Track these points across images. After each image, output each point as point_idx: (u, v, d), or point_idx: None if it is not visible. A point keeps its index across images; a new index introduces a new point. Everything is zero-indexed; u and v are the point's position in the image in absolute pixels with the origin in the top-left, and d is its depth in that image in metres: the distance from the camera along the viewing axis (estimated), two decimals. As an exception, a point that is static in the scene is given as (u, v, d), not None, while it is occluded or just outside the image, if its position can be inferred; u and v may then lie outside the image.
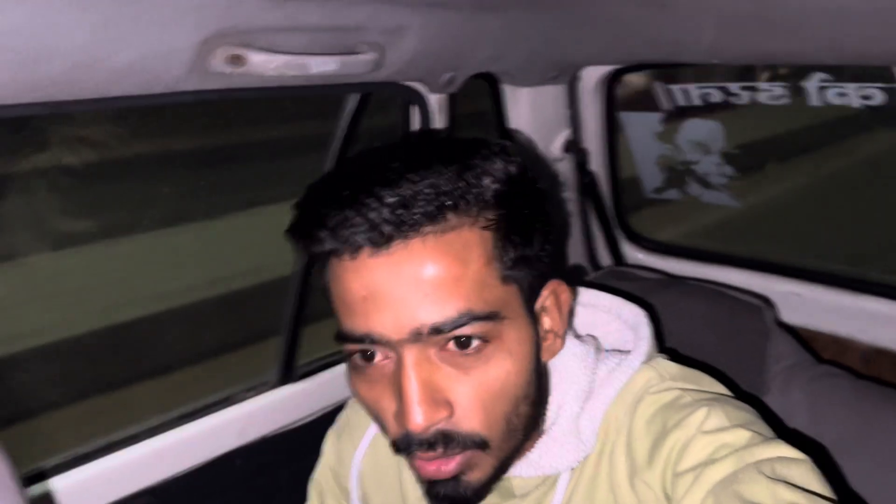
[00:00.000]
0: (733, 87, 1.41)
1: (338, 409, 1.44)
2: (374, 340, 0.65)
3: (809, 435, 1.05)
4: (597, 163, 1.67)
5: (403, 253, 0.63)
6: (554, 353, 0.75)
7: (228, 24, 0.83)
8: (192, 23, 0.80)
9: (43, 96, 0.78)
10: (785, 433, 0.69)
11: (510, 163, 0.69)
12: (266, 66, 0.90)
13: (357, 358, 0.69)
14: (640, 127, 1.67)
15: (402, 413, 0.65)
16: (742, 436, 0.65)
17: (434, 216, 0.63)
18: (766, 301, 1.30)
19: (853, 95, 1.27)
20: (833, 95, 1.29)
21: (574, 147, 1.61)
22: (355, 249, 0.64)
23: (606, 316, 0.86)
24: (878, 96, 1.25)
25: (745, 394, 0.75)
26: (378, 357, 0.68)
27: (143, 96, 0.87)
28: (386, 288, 0.64)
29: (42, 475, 1.08)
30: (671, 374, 0.76)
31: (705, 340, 1.17)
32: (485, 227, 0.66)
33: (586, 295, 0.88)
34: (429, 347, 0.65)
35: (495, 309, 0.66)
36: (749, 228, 1.78)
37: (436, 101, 1.33)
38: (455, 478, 0.68)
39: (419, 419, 0.64)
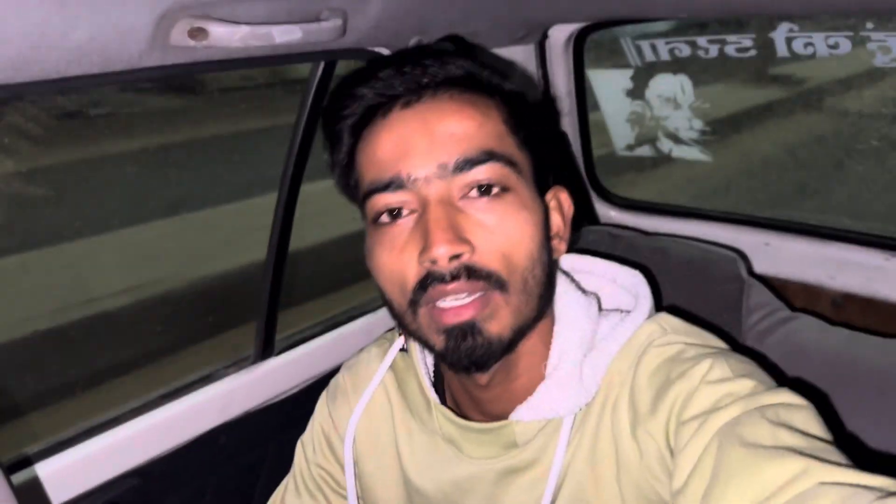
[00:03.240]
0: (701, 40, 1.41)
1: (319, 382, 1.45)
2: (401, 183, 0.71)
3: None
4: (567, 122, 1.67)
5: (432, 104, 0.73)
6: (560, 254, 0.81)
7: (188, -4, 0.80)
8: (150, -4, 0.77)
9: (1, 79, 0.75)
10: (786, 382, 0.70)
11: (528, 87, 0.79)
12: (229, 37, 0.88)
13: (382, 219, 0.73)
14: (610, 84, 1.66)
15: (426, 246, 0.68)
16: (746, 385, 0.66)
17: (463, 80, 0.74)
18: (739, 253, 1.32)
19: (820, 45, 1.27)
20: (800, 46, 1.30)
21: (544, 107, 1.60)
22: (391, 101, 0.73)
23: (599, 280, 0.88)
24: (844, 44, 1.26)
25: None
26: (402, 204, 0.71)
27: (105, 75, 0.84)
28: (415, 135, 0.71)
29: (26, 461, 1.07)
30: (673, 327, 0.78)
31: (681, 295, 1.18)
32: (503, 102, 0.76)
33: (581, 262, 0.90)
34: (452, 189, 0.71)
35: (512, 156, 0.73)
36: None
37: (403, 66, 1.30)
38: (473, 327, 0.70)
39: (443, 249, 0.67)
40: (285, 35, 0.93)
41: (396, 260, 0.72)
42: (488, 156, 0.71)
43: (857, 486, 0.52)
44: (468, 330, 0.70)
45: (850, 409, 1.03)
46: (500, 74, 0.78)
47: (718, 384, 0.67)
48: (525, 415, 0.78)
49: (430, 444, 0.87)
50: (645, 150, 1.73)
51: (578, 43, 1.57)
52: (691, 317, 0.83)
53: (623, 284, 0.86)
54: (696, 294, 1.18)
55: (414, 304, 0.72)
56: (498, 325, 0.71)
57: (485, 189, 0.71)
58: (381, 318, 1.55)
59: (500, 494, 0.81)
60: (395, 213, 0.72)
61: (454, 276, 0.69)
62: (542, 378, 0.79)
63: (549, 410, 0.77)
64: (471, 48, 0.77)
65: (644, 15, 1.32)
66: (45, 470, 1.07)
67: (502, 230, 0.71)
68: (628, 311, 0.81)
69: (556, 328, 0.80)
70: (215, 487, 1.32)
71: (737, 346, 1.13)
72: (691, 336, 0.77)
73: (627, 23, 1.49)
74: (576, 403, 0.76)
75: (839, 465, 0.56)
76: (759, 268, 1.51)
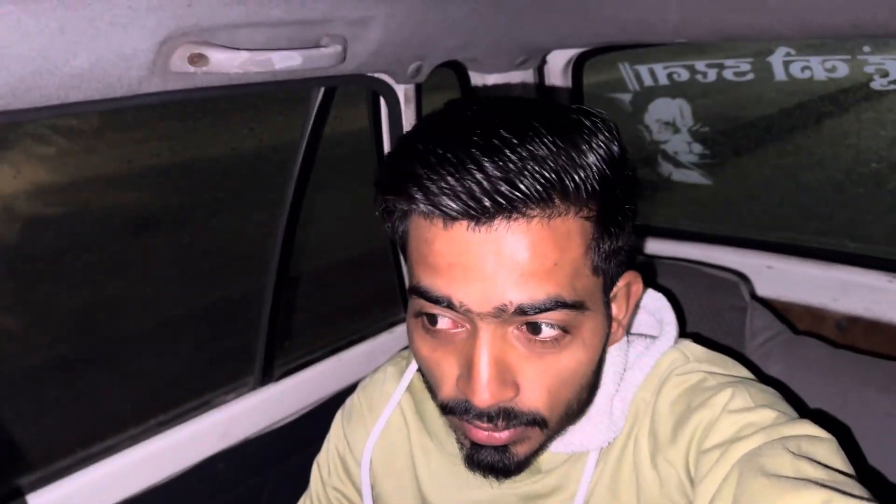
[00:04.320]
0: (699, 64, 1.42)
1: (319, 408, 1.44)
2: (452, 306, 0.63)
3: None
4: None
5: (505, 232, 0.60)
6: (615, 342, 0.75)
7: (188, 23, 0.81)
8: (151, 23, 0.78)
9: (2, 105, 0.76)
10: (807, 413, 0.69)
11: (612, 140, 0.65)
12: (229, 63, 0.88)
13: (425, 320, 0.67)
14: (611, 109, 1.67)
15: (468, 386, 0.63)
16: (768, 415, 0.65)
17: (541, 198, 0.60)
18: (742, 276, 1.32)
19: (817, 68, 1.28)
20: (797, 69, 1.30)
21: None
22: (451, 219, 0.61)
23: None
24: (841, 68, 1.26)
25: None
26: (448, 324, 0.65)
27: (105, 100, 0.85)
28: (479, 261, 0.61)
29: (18, 492, 1.06)
30: (696, 355, 0.77)
31: (684, 319, 1.18)
32: (587, 218, 0.64)
33: None
34: (507, 326, 0.63)
35: (582, 299, 0.64)
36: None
37: (403, 91, 1.31)
38: (504, 447, 0.68)
39: (486, 397, 0.62)
40: (285, 61, 0.94)
41: (435, 364, 0.68)
42: (556, 304, 0.62)
43: None
44: (497, 449, 0.68)
45: (855, 432, 1.02)
46: (591, 151, 0.62)
47: (740, 413, 0.66)
48: (554, 447, 0.76)
49: (448, 465, 0.85)
50: (644, 174, 1.73)
51: (577, 67, 1.58)
52: (710, 343, 0.82)
53: (646, 307, 0.85)
54: (699, 317, 1.17)
55: (447, 409, 0.69)
56: (528, 447, 0.69)
57: (544, 328, 0.64)
58: (381, 344, 1.54)
59: None
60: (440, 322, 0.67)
61: (491, 418, 0.65)
62: None
63: (580, 445, 0.75)
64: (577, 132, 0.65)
65: (642, 40, 1.33)
66: (39, 501, 1.06)
67: (553, 372, 0.66)
68: (652, 337, 0.80)
69: None
70: (214, 516, 1.31)
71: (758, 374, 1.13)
72: (714, 365, 0.75)
73: (625, 48, 1.50)
74: (605, 438, 0.75)
75: (861, 498, 0.55)
76: (762, 291, 1.51)
